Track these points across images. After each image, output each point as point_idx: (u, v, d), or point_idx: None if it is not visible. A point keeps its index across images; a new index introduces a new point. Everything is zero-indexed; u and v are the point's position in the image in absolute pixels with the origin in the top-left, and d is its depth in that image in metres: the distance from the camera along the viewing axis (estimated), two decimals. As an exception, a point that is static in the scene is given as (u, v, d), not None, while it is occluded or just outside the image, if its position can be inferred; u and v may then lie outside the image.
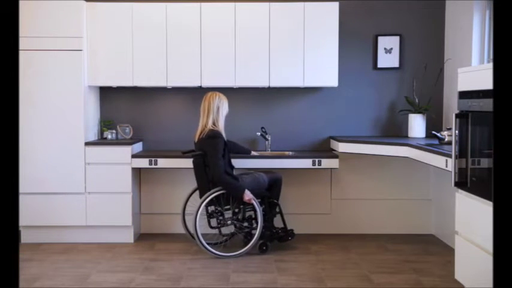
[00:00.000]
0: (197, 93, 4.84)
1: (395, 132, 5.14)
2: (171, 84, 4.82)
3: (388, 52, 5.08)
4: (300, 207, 5.10)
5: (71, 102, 4.66)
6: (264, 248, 4.42)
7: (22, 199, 4.60)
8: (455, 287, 3.59)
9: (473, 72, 3.28)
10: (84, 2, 4.71)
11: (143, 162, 4.69)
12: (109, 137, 4.94)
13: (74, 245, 4.69)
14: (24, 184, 4.63)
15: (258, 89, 5.07)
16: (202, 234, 4.30)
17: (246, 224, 4.46)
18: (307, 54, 4.77)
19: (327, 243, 4.76)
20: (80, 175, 4.68)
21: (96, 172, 4.69)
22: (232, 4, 4.76)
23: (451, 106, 4.80)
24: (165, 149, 5.08)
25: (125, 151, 4.70)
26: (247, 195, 4.26)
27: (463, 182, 3.29)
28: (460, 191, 3.38)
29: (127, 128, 5.04)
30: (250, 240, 4.38)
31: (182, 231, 4.73)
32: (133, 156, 4.71)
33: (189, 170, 4.51)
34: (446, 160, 3.57)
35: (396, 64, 5.08)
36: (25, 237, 4.76)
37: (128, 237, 4.79)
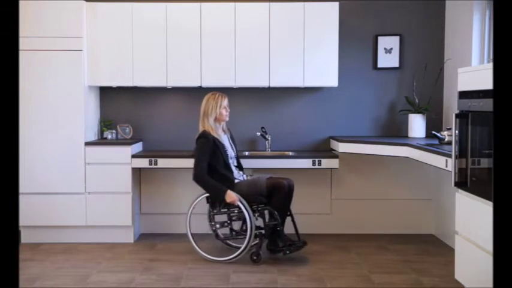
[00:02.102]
0: (197, 93, 4.84)
1: (395, 132, 5.14)
2: (171, 84, 4.82)
3: (388, 52, 5.08)
4: (300, 207, 5.08)
5: (71, 102, 4.66)
6: (255, 258, 4.14)
7: (22, 199, 4.59)
8: (455, 287, 3.59)
9: (473, 72, 3.28)
10: (84, 2, 4.71)
11: (143, 162, 4.69)
12: (109, 137, 4.95)
13: (74, 245, 4.69)
14: (24, 184, 4.63)
15: (258, 89, 5.07)
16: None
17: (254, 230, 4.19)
18: (307, 54, 4.77)
19: (327, 243, 4.76)
20: (80, 175, 4.68)
21: (96, 172, 4.69)
22: (232, 4, 4.76)
23: (451, 106, 4.80)
24: (165, 149, 5.08)
25: (125, 151, 4.70)
26: (230, 197, 4.08)
27: (463, 182, 3.29)
28: (460, 191, 3.38)
29: (127, 128, 5.04)
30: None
31: (182, 231, 4.70)
32: (133, 156, 4.71)
33: (189, 170, 4.50)
34: (446, 160, 3.57)
35: (396, 64, 5.08)
36: (25, 237, 4.76)
37: (128, 237, 4.79)
